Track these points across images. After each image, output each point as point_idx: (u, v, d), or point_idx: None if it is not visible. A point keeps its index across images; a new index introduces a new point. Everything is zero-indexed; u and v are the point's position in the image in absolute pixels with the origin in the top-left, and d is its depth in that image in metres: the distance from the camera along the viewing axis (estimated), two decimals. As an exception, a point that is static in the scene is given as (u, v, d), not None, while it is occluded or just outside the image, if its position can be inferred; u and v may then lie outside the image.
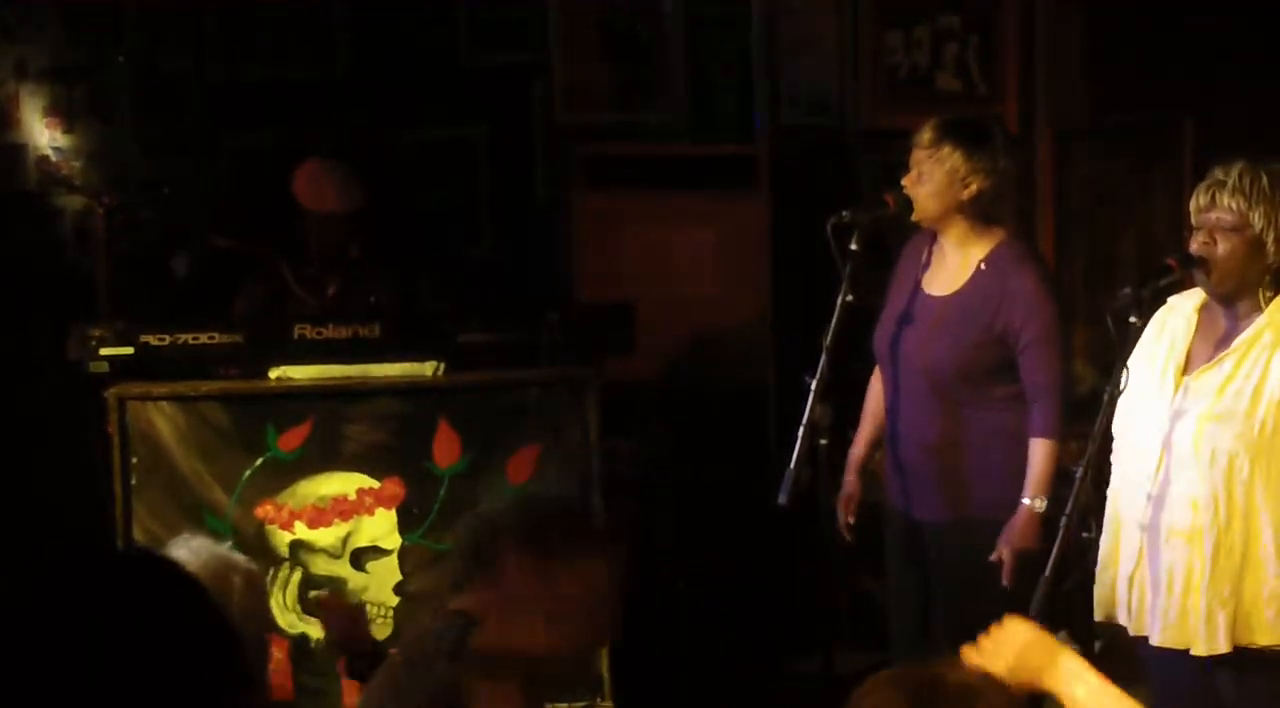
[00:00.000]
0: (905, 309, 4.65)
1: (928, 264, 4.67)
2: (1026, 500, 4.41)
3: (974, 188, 4.51)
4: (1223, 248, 3.86)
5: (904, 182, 4.57)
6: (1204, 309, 4.00)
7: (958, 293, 4.59)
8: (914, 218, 4.58)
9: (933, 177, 4.51)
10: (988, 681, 2.41)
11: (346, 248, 5.66)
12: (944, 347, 4.56)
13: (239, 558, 3.39)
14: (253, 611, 3.34)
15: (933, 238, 4.67)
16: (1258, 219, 3.84)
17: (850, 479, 4.80)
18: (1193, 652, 3.87)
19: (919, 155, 4.53)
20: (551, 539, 2.85)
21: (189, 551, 3.31)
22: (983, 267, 4.56)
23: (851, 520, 4.78)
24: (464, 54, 6.71)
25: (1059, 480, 6.08)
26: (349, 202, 5.67)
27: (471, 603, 2.88)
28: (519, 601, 2.82)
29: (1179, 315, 4.02)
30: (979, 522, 4.49)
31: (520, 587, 2.82)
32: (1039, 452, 4.45)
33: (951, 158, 4.49)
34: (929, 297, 4.63)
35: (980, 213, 4.57)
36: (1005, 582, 4.38)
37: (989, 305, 4.52)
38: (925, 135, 4.54)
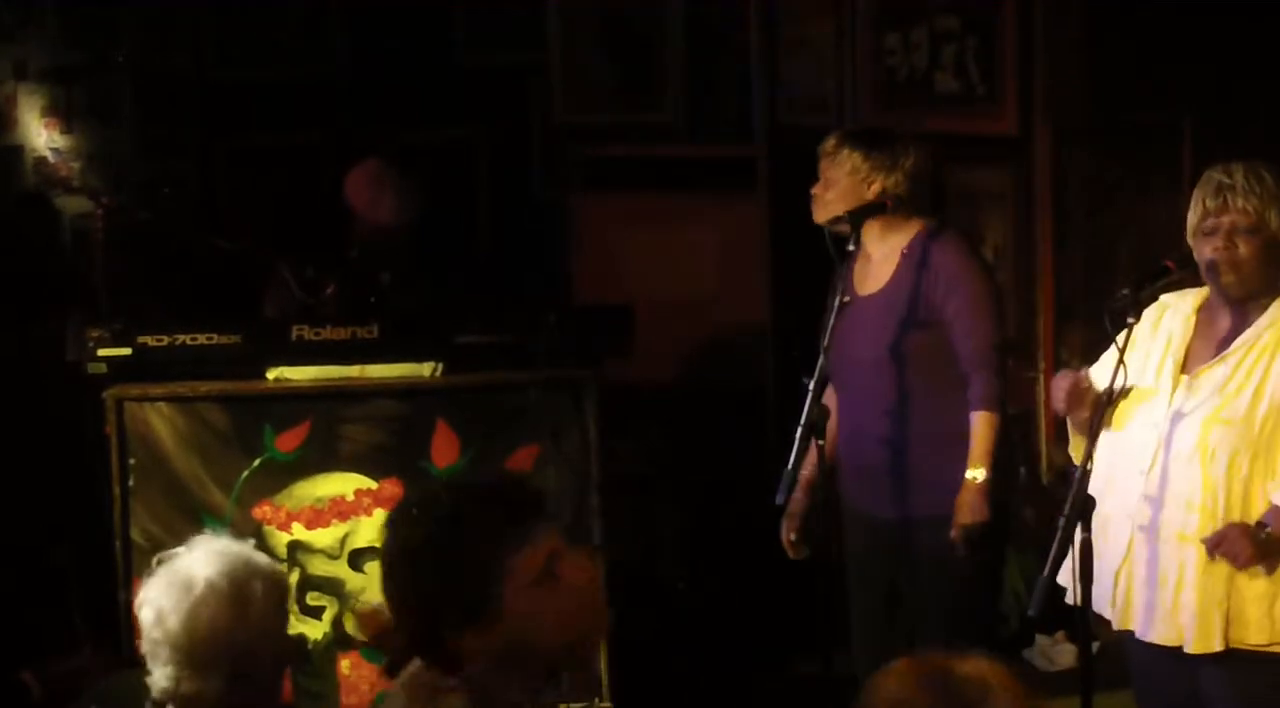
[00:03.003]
0: (841, 316, 4.67)
1: (851, 269, 4.70)
2: (968, 474, 4.45)
3: (878, 185, 4.60)
4: (1244, 250, 3.84)
5: (812, 191, 4.71)
6: (1203, 309, 4.00)
7: (886, 284, 4.65)
8: (819, 220, 4.67)
9: (836, 180, 4.64)
10: (997, 674, 2.41)
11: (390, 253, 5.68)
12: (883, 339, 4.61)
13: (259, 561, 3.29)
14: (272, 616, 3.25)
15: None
16: (1274, 219, 3.83)
17: (798, 497, 4.81)
18: (1186, 650, 3.87)
19: (823, 164, 4.69)
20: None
21: (208, 553, 3.23)
22: (905, 253, 4.64)
23: (793, 537, 4.81)
24: (462, 54, 6.71)
25: (1059, 481, 6.10)
26: (404, 213, 5.70)
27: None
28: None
29: (1176, 314, 4.01)
30: (944, 515, 4.51)
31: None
32: (977, 425, 4.50)
33: (851, 159, 4.62)
34: (861, 298, 4.68)
35: (894, 210, 4.63)
36: (962, 554, 4.45)
37: (914, 287, 4.59)
38: (827, 144, 4.70)
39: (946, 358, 4.57)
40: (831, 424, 4.80)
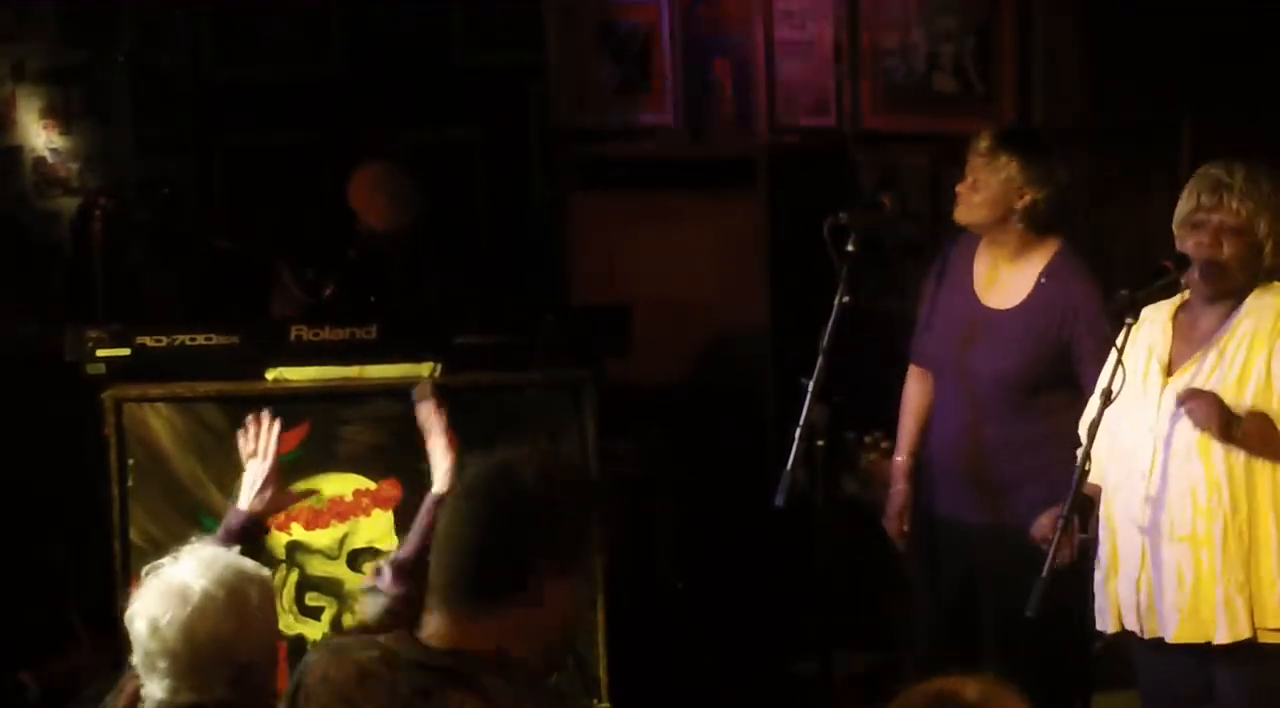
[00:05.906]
0: (963, 320, 4.67)
1: (979, 272, 4.68)
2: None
3: (1029, 198, 4.56)
4: (1227, 250, 3.87)
5: (959, 188, 4.64)
6: (1179, 314, 4.02)
7: (1022, 306, 4.62)
8: (960, 220, 4.61)
9: (988, 185, 4.57)
10: (1003, 698, 2.40)
11: (391, 257, 5.69)
12: (1013, 360, 4.58)
13: (249, 566, 3.30)
14: (267, 620, 3.27)
15: (974, 243, 4.68)
16: (1263, 225, 3.85)
17: (901, 488, 4.82)
18: (1216, 641, 3.89)
19: (976, 162, 4.59)
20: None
21: (199, 562, 3.22)
22: (1043, 280, 4.60)
23: (906, 528, 4.82)
24: (460, 54, 6.71)
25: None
26: (403, 217, 5.71)
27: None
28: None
29: (1154, 325, 4.04)
30: (1023, 527, 4.49)
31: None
32: None
33: (1008, 167, 4.55)
34: (990, 310, 4.66)
35: (1035, 224, 4.60)
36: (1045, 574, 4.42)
37: (1053, 319, 4.55)
38: (982, 143, 4.60)
39: (1059, 379, 4.54)
40: (912, 416, 4.79)
